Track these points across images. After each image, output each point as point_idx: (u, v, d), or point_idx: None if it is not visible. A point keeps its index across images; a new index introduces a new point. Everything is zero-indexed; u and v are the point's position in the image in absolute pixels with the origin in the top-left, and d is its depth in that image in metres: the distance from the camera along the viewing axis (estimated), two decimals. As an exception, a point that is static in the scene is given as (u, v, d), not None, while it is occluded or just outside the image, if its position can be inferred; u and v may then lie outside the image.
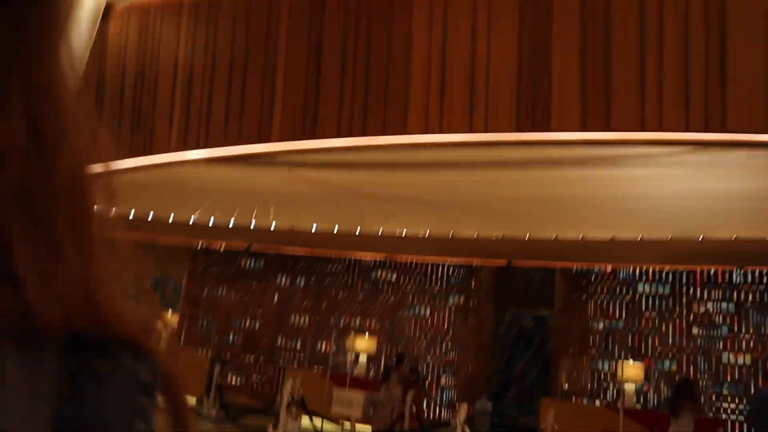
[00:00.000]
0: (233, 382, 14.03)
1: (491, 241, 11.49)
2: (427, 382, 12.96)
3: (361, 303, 14.17)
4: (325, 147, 5.86)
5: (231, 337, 14.96)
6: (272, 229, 12.09)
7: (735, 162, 6.63)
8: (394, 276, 13.96)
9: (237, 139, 6.28)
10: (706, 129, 5.05)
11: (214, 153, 6.37)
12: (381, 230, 11.53)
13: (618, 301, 12.35)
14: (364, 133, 5.67)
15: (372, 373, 11.82)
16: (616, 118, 5.08)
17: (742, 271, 11.24)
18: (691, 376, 11.04)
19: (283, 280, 14.90)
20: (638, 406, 10.68)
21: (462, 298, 13.47)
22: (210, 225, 12.23)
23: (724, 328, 11.41)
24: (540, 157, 6.91)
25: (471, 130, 5.16)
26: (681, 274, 11.79)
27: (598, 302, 12.51)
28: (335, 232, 11.52)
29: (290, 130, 6.03)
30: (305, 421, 9.03)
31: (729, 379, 11.26)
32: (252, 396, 12.50)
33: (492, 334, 13.42)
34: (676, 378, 11.41)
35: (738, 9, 4.93)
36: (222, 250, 14.69)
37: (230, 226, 12.22)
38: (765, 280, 11.23)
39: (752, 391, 10.82)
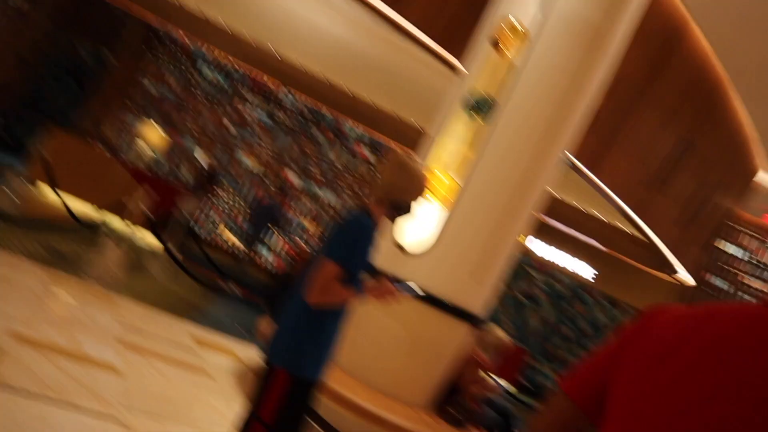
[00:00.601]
0: None
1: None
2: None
3: None
4: None
5: None
6: None
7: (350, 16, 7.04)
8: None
9: None
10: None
11: None
12: None
13: (177, 72, 12.27)
14: None
15: None
16: None
17: (289, 93, 12.08)
18: (208, 162, 11.67)
19: None
20: (148, 171, 10.95)
21: (23, 2, 11.87)
22: None
23: (249, 133, 12.25)
24: None
25: None
26: (243, 74, 12.16)
27: (159, 64, 12.25)
28: None
29: None
30: None
31: (239, 180, 12.23)
32: None
33: (40, 51, 12.21)
34: (196, 159, 12.00)
35: None
36: None
37: None
38: (306, 113, 12.24)
39: (245, 193, 12.03)
